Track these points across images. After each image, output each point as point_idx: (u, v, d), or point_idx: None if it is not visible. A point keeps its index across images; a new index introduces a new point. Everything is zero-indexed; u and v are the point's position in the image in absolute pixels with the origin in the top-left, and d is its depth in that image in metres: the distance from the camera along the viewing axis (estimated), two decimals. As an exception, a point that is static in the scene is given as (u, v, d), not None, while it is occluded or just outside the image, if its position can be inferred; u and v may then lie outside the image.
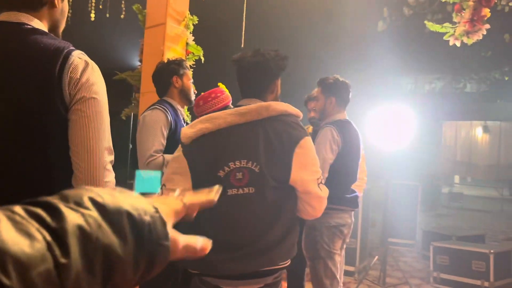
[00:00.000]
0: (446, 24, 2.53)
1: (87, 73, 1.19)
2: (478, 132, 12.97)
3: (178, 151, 1.66)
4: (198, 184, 1.60)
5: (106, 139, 1.23)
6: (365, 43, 6.24)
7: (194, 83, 2.66)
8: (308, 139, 1.64)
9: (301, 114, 1.71)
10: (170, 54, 2.90)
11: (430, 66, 8.79)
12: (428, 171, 9.62)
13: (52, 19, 1.29)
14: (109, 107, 1.26)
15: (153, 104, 2.35)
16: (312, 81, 3.13)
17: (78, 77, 1.18)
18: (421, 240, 6.13)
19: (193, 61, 3.06)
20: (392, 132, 5.33)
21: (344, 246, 2.76)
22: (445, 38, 2.51)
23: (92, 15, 5.28)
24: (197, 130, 1.61)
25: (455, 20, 2.49)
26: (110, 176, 1.24)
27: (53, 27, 1.31)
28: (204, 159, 1.59)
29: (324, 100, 2.72)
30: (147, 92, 2.98)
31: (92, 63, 1.23)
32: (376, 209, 6.31)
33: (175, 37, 2.94)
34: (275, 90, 1.75)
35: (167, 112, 2.27)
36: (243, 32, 2.87)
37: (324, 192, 1.68)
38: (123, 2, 4.63)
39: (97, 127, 1.20)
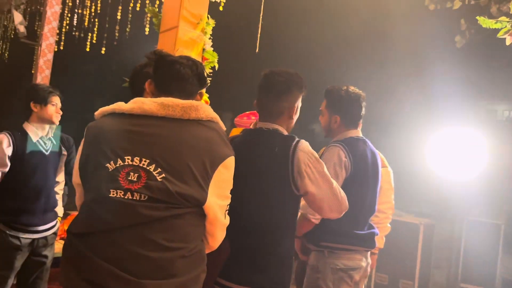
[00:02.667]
0: (502, 18, 1.98)
1: None
2: None
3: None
4: (85, 169, 1.40)
5: None
6: (428, 60, 5.58)
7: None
8: (233, 158, 1.41)
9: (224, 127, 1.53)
10: (183, 60, 2.68)
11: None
12: (515, 208, 8.30)
13: None
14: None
15: None
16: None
17: None
18: (501, 289, 5.21)
19: (210, 68, 2.80)
20: (462, 160, 4.61)
21: None
22: (499, 35, 1.96)
23: (147, 29, 5.36)
24: (111, 107, 1.42)
25: (512, 12, 1.95)
26: None
27: None
28: (100, 141, 1.36)
29: (328, 117, 2.26)
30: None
31: None
32: (441, 247, 5.49)
33: (188, 41, 2.70)
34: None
35: None
36: (259, 36, 2.55)
37: (227, 220, 1.46)
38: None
39: None
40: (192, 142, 1.35)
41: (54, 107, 2.61)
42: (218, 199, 1.38)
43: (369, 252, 2.23)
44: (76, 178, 1.45)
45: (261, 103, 1.82)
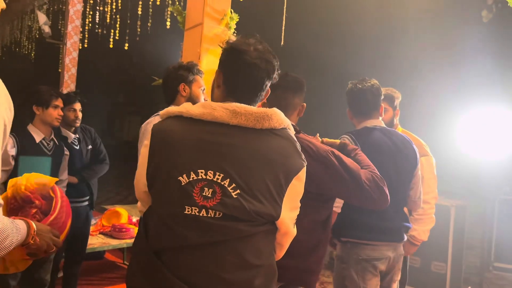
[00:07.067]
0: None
1: None
2: None
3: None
4: (154, 179, 1.29)
5: None
6: (458, 35, 5.43)
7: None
8: (305, 168, 1.33)
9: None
10: (209, 56, 2.71)
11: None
12: (553, 184, 8.07)
13: None
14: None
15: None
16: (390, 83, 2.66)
17: None
18: (537, 268, 5.13)
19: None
20: (492, 138, 4.53)
21: (394, 285, 2.25)
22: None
23: (168, 23, 5.39)
24: (178, 109, 1.30)
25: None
26: None
27: None
28: (169, 150, 1.26)
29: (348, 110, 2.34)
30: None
31: None
32: (474, 228, 5.42)
33: (213, 37, 2.74)
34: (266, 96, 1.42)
35: None
36: (283, 29, 2.54)
37: (295, 230, 1.40)
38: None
39: None
40: (267, 155, 1.26)
41: (57, 110, 2.75)
42: (290, 212, 1.33)
43: (401, 243, 2.21)
44: (142, 186, 1.34)
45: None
